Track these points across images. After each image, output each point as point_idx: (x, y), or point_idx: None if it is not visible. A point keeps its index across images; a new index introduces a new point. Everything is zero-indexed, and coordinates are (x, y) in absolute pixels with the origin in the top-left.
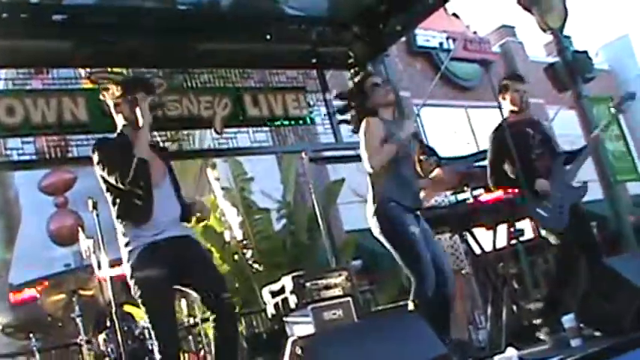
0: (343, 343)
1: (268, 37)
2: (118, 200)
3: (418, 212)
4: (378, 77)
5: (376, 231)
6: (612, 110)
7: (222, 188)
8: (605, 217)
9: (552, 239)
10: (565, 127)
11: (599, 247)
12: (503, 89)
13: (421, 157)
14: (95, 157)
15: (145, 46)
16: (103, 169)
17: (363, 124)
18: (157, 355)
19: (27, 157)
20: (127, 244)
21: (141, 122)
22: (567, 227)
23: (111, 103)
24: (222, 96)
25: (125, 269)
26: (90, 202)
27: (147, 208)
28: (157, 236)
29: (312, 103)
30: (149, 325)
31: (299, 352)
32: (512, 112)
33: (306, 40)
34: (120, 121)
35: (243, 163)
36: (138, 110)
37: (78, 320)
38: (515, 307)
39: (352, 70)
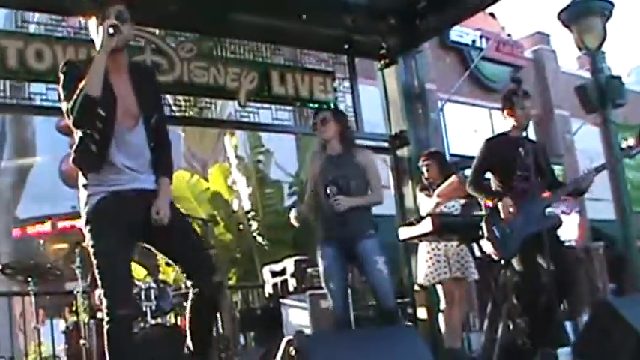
0: (337, 350)
1: (304, 16)
2: (75, 143)
3: (359, 236)
4: (326, 112)
5: None
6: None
7: (237, 157)
8: (613, 238)
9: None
10: (586, 141)
11: (573, 274)
12: (508, 103)
13: (426, 163)
14: (60, 85)
15: (177, 9)
16: (62, 98)
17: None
18: (105, 315)
19: (49, 104)
20: (85, 187)
21: (97, 45)
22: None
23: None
24: (250, 69)
25: (81, 216)
26: None
27: (101, 155)
28: (123, 185)
29: (337, 88)
30: (100, 282)
31: (292, 352)
32: (514, 127)
33: (341, 25)
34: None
35: (262, 134)
36: (100, 29)
37: (77, 272)
38: (511, 324)
39: (383, 62)
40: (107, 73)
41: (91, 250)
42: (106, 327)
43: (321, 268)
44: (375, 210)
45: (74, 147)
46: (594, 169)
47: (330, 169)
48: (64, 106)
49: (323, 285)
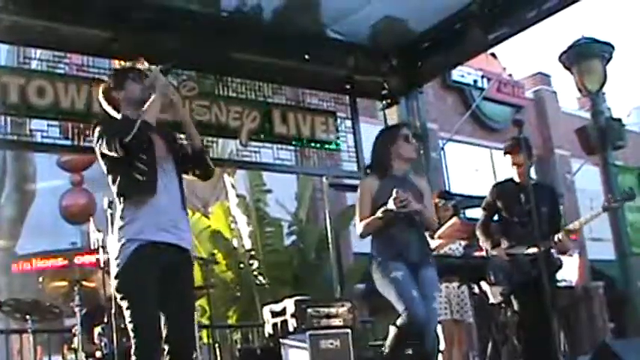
0: None
1: (306, 56)
2: (118, 177)
3: (421, 264)
4: (409, 130)
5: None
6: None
7: (238, 196)
8: (613, 278)
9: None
10: (587, 181)
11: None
12: (506, 154)
13: (437, 201)
14: (96, 133)
15: (181, 47)
16: (103, 141)
17: (359, 184)
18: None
19: (50, 141)
20: (121, 230)
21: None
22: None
23: (101, 96)
24: (252, 109)
25: (114, 262)
26: (105, 201)
27: (150, 183)
28: (158, 237)
29: (339, 128)
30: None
31: None
32: (517, 174)
33: (343, 65)
34: (123, 104)
35: (263, 172)
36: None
37: (76, 310)
38: None
39: (384, 102)
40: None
41: (123, 300)
42: None
43: (396, 279)
44: None
45: (117, 181)
46: (563, 233)
47: (391, 190)
48: (110, 141)
49: (395, 297)
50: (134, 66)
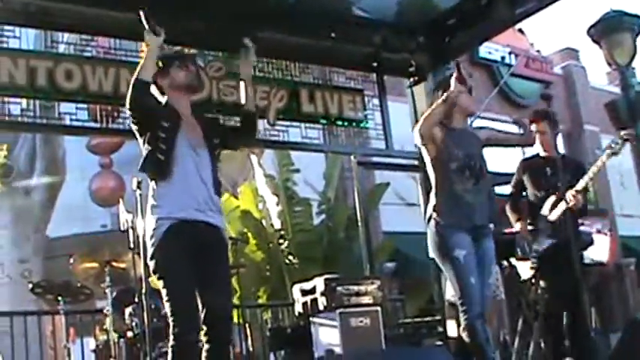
0: None
1: (332, 34)
2: (145, 154)
3: (484, 231)
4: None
5: (429, 247)
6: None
7: (266, 175)
8: None
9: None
10: (617, 157)
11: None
12: (531, 123)
13: None
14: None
15: (207, 28)
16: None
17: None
18: (171, 339)
19: (79, 123)
20: (153, 210)
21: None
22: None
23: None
24: (279, 88)
25: (149, 242)
26: (134, 181)
27: (166, 163)
28: (189, 214)
29: (367, 106)
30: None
31: None
32: (543, 149)
33: (370, 43)
34: (167, 90)
35: (291, 152)
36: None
37: (107, 291)
38: (542, 343)
39: (412, 79)
40: (172, 104)
41: (160, 282)
42: (170, 349)
43: (457, 260)
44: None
45: (142, 159)
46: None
47: (455, 144)
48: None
49: (454, 279)
50: (179, 52)
